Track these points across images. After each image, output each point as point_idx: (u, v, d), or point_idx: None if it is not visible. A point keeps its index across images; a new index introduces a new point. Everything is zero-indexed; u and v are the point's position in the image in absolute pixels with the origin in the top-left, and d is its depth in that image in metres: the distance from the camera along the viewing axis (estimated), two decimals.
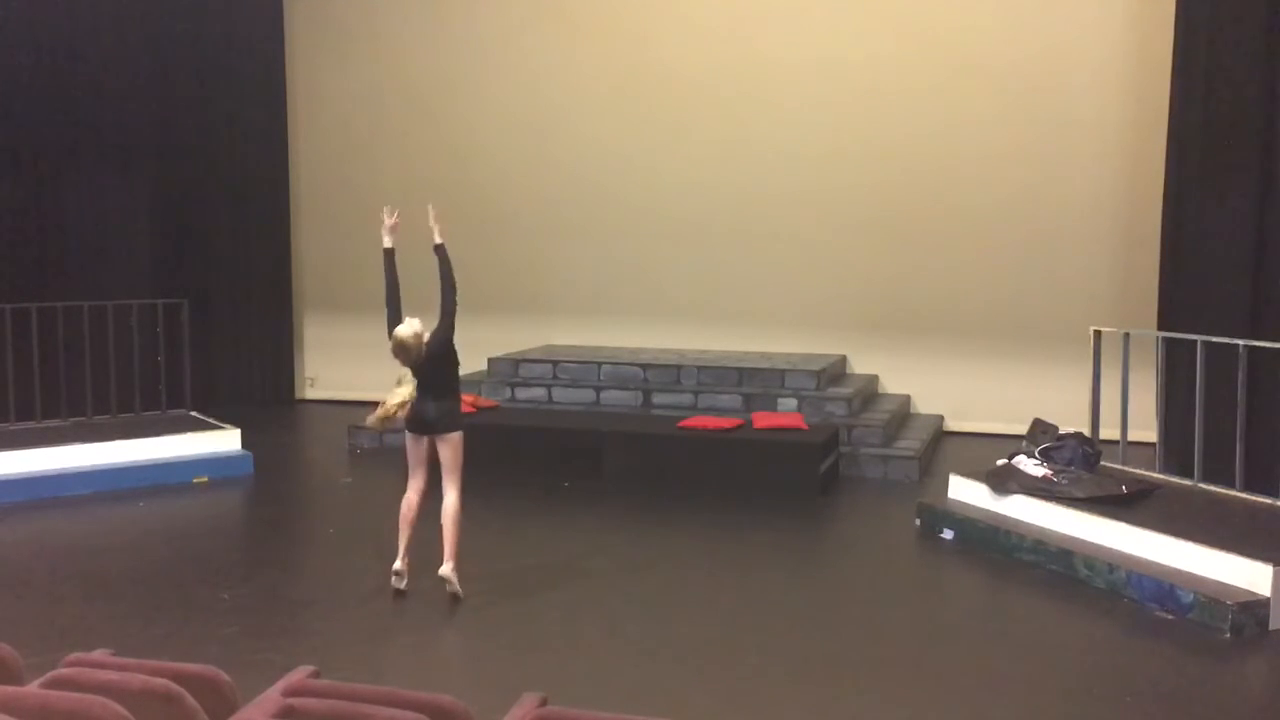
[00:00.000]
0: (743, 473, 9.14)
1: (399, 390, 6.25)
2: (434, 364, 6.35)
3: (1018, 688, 5.34)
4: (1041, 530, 7.29)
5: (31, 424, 9.84)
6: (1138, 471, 8.06)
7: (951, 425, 11.46)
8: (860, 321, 11.69)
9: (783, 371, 10.64)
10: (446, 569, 6.35)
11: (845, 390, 10.65)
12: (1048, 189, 11.02)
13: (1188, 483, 7.82)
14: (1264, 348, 7.54)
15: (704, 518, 8.43)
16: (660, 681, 5.37)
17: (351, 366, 12.94)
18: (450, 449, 6.40)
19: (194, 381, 10.80)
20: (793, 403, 10.31)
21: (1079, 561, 6.83)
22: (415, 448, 6.48)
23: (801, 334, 11.81)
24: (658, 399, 10.66)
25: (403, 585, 6.42)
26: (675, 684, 5.33)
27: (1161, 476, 8.10)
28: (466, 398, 10.53)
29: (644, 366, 11.06)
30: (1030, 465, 7.82)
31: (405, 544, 6.48)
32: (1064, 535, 7.16)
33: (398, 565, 6.44)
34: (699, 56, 11.97)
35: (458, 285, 6.67)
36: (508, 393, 11.05)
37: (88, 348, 10.04)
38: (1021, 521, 7.47)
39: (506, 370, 11.41)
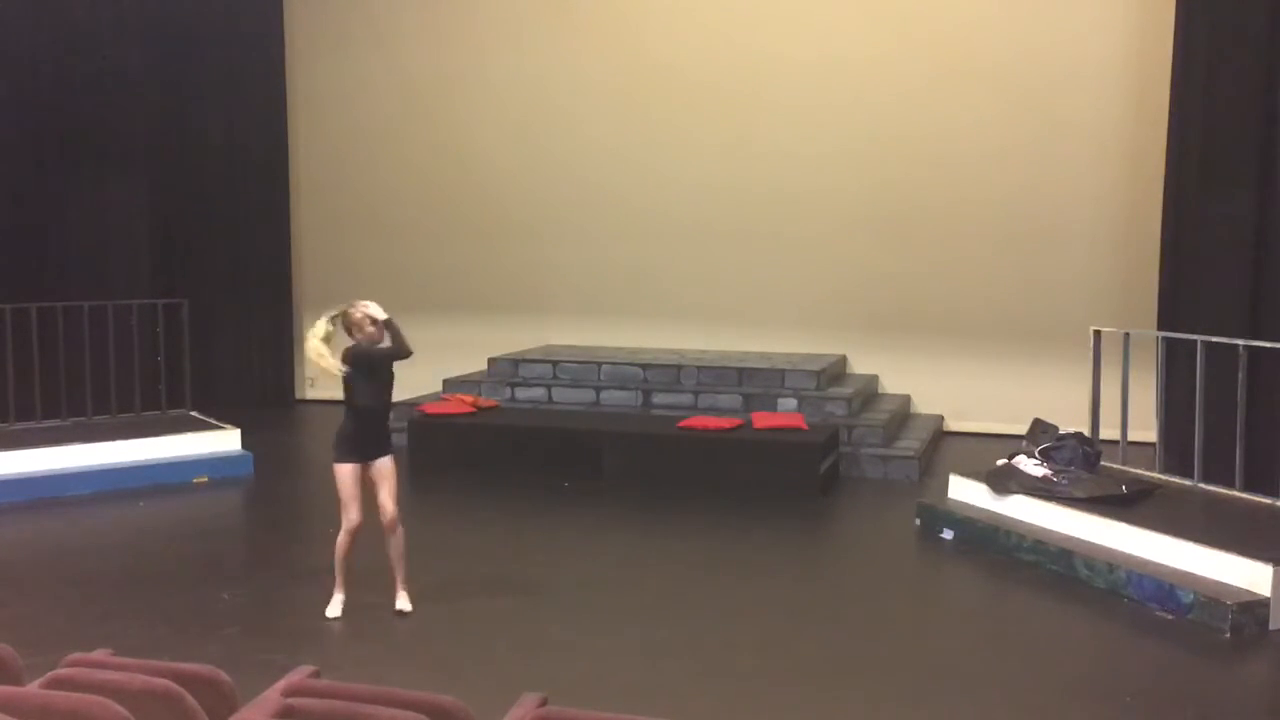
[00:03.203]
0: (743, 473, 9.13)
1: (318, 326, 5.95)
2: (379, 375, 6.05)
3: (1018, 688, 5.34)
4: (1041, 530, 7.28)
5: (31, 424, 9.84)
6: (1138, 471, 8.06)
7: (951, 425, 11.46)
8: (860, 321, 11.69)
9: (783, 371, 10.64)
10: (407, 603, 6.20)
11: (845, 390, 10.65)
12: (1048, 189, 11.02)
13: (1188, 483, 7.82)
14: (1264, 348, 7.54)
15: (704, 518, 8.43)
16: (660, 681, 5.37)
17: None
18: (389, 470, 6.10)
19: (194, 381, 10.80)
20: (793, 403, 10.30)
21: (1079, 561, 6.83)
22: (353, 477, 6.03)
23: (801, 334, 11.81)
24: (658, 399, 10.66)
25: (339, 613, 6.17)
26: (675, 684, 5.33)
27: (1161, 476, 8.10)
28: (466, 398, 10.58)
29: (644, 366, 11.06)
30: (1030, 465, 7.82)
31: (344, 579, 6.19)
32: (1064, 535, 7.15)
33: (342, 601, 6.17)
34: (699, 56, 11.97)
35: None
36: (508, 393, 11.05)
37: (88, 348, 10.03)
38: (1021, 521, 7.47)
39: (506, 370, 11.41)
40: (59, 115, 11.65)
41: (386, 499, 6.08)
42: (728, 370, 10.79)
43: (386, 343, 6.08)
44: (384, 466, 6.09)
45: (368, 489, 6.10)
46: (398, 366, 6.17)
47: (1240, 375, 7.49)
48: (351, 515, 6.06)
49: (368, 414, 6.07)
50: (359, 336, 6.05)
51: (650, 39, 12.16)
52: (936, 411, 11.52)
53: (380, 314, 6.05)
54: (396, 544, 6.18)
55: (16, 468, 8.84)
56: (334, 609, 6.15)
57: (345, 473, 6.05)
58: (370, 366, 6.04)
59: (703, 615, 6.30)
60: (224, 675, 3.42)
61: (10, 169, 11.35)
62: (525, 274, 12.69)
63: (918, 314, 11.50)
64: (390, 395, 6.18)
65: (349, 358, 6.00)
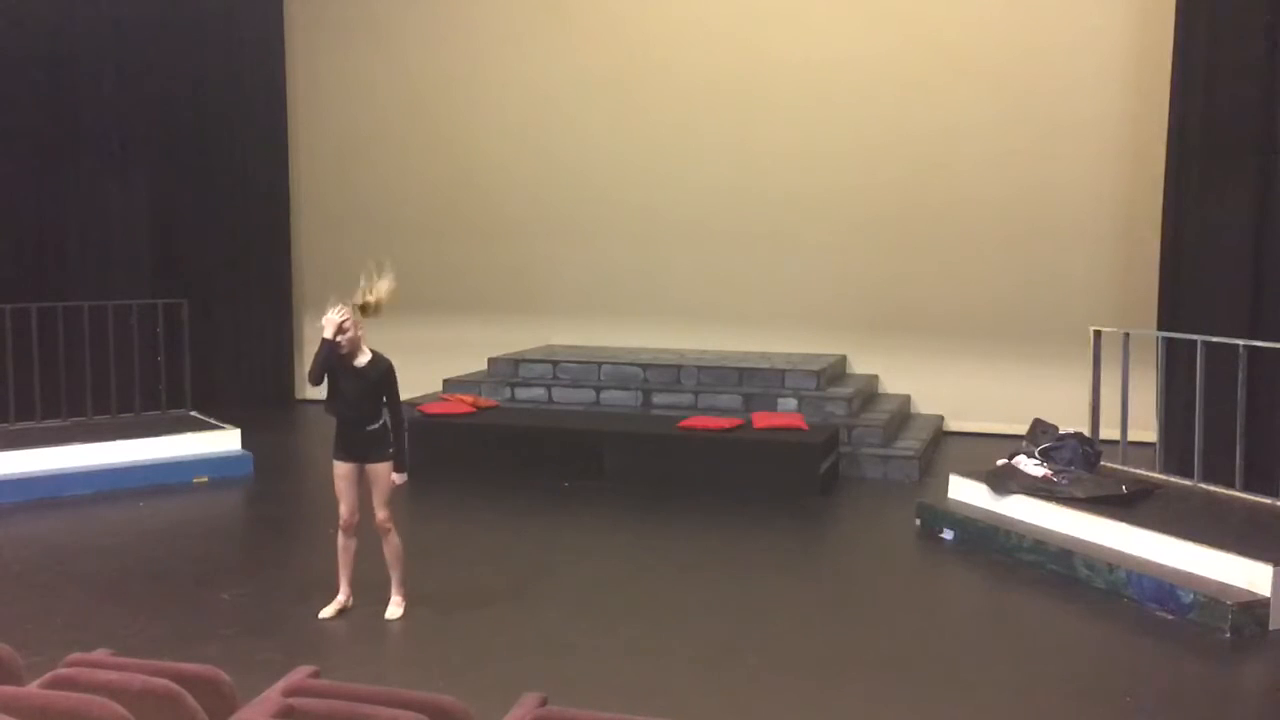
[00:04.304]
0: (743, 473, 9.13)
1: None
2: (342, 385, 6.01)
3: (1018, 688, 5.34)
4: (1041, 530, 7.28)
5: (31, 424, 9.84)
6: (1138, 471, 8.07)
7: (951, 425, 11.46)
8: (860, 321, 11.70)
9: (783, 371, 10.64)
10: (396, 610, 6.19)
11: (845, 390, 10.65)
12: (1048, 189, 11.02)
13: (1188, 483, 7.82)
14: (1264, 348, 7.54)
15: (704, 518, 8.43)
16: (660, 681, 5.37)
17: None
18: (380, 479, 6.07)
19: (194, 381, 10.79)
20: (793, 403, 10.30)
21: (1079, 561, 6.83)
22: (343, 476, 6.08)
23: (801, 334, 11.81)
24: (658, 399, 10.66)
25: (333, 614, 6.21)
26: (675, 684, 5.33)
27: (1161, 476, 8.10)
28: (466, 398, 10.56)
29: (644, 366, 11.06)
30: (1030, 465, 7.82)
31: (344, 579, 6.23)
32: (1064, 535, 7.15)
33: (339, 602, 6.22)
34: (699, 57, 11.97)
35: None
36: (508, 393, 11.04)
37: (88, 348, 10.03)
38: (1021, 521, 7.47)
39: (506, 370, 11.41)
40: (59, 115, 11.64)
41: (377, 504, 6.09)
42: (728, 370, 10.79)
43: (364, 358, 6.01)
44: (375, 471, 6.07)
45: (365, 491, 6.11)
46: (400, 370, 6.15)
47: (1240, 375, 7.49)
48: (340, 512, 6.13)
49: (341, 420, 6.08)
50: (345, 336, 5.96)
51: (650, 39, 12.16)
52: (936, 411, 11.52)
53: (351, 325, 5.93)
54: (388, 549, 6.22)
55: (16, 468, 8.84)
56: (326, 610, 6.18)
57: (335, 471, 6.13)
58: (333, 372, 6.00)
59: (703, 615, 6.30)
60: (224, 675, 3.42)
61: (10, 169, 11.34)
62: (525, 274, 12.69)
63: (918, 314, 11.50)
64: (368, 410, 6.03)
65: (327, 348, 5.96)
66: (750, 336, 11.95)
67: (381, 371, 6.03)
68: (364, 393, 6.00)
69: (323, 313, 6.04)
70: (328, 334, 5.92)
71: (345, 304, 6.00)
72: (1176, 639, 5.95)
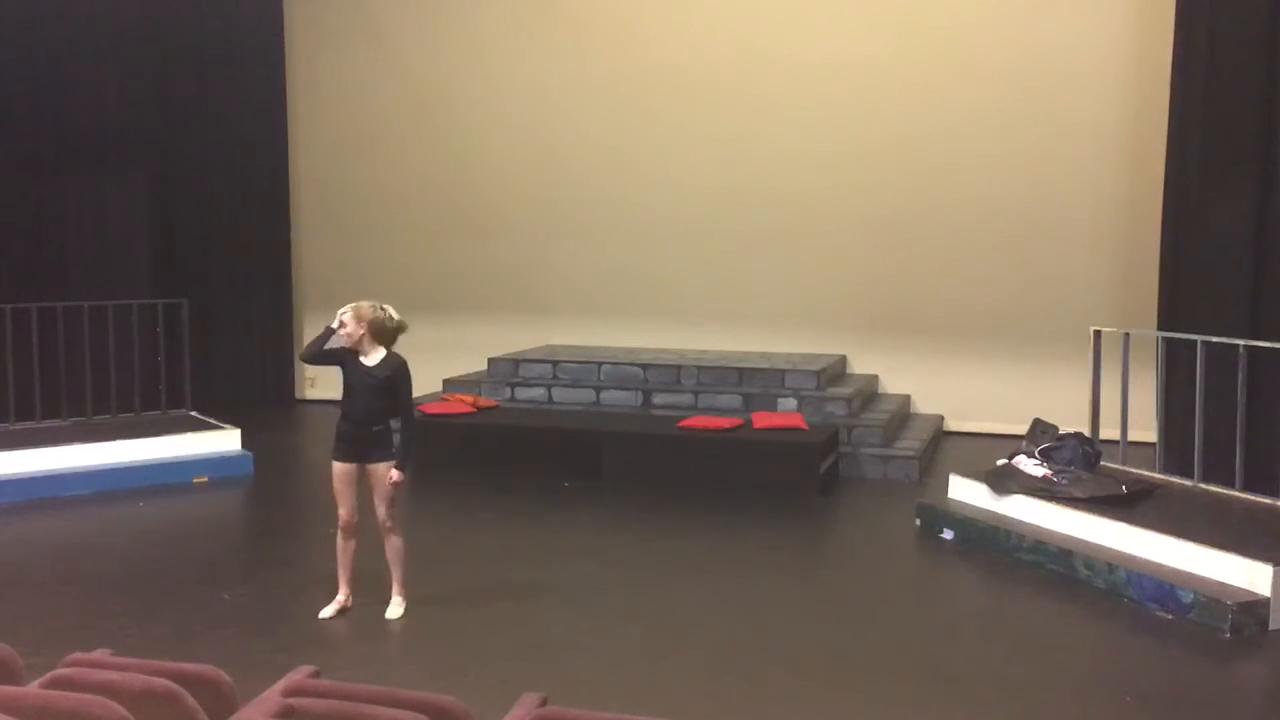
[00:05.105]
0: (743, 473, 9.13)
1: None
2: (353, 383, 6.05)
3: (1018, 688, 5.34)
4: (1041, 530, 7.28)
5: (31, 424, 9.84)
6: (1138, 471, 8.06)
7: (951, 425, 11.46)
8: (860, 321, 11.70)
9: (783, 371, 10.64)
10: (396, 610, 6.19)
11: (845, 390, 10.65)
12: (1048, 189, 11.02)
13: (1188, 483, 7.82)
14: (1264, 348, 7.54)
15: (704, 518, 8.43)
16: (660, 681, 5.37)
17: None
18: (381, 478, 6.04)
19: (194, 381, 10.80)
20: (793, 403, 10.30)
21: (1079, 561, 6.83)
22: (341, 476, 6.08)
23: (801, 334, 11.81)
24: (658, 399, 10.66)
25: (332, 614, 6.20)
26: (675, 684, 5.33)
27: (1161, 476, 8.10)
28: (466, 398, 10.56)
29: (644, 366, 11.06)
30: (1030, 465, 7.82)
31: (343, 579, 6.22)
32: (1064, 535, 7.15)
33: (339, 602, 6.21)
34: (699, 56, 11.97)
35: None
36: (508, 393, 11.04)
37: (88, 348, 10.03)
38: (1021, 521, 7.47)
39: (506, 370, 11.41)
40: (59, 115, 11.64)
41: (378, 504, 6.09)
42: (728, 370, 10.79)
43: (376, 356, 6.05)
44: (376, 471, 6.06)
45: (366, 492, 6.11)
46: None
47: (1240, 375, 7.49)
48: (339, 513, 6.14)
49: (345, 417, 6.09)
50: (344, 331, 6.02)
51: (650, 38, 12.16)
52: (936, 411, 11.52)
53: (349, 319, 6.00)
54: (390, 549, 6.22)
55: (16, 468, 8.84)
56: (326, 610, 6.18)
57: (334, 471, 6.14)
58: (343, 368, 6.05)
59: (703, 615, 6.30)
60: (224, 675, 3.42)
61: (10, 169, 11.34)
62: (525, 274, 12.69)
63: (918, 314, 11.50)
64: (374, 409, 6.02)
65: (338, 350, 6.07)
66: (750, 336, 11.95)
67: (391, 370, 6.05)
68: (370, 390, 6.00)
69: (327, 311, 6.08)
70: (334, 323, 6.00)
71: (361, 303, 6.06)
72: (1176, 639, 5.96)
